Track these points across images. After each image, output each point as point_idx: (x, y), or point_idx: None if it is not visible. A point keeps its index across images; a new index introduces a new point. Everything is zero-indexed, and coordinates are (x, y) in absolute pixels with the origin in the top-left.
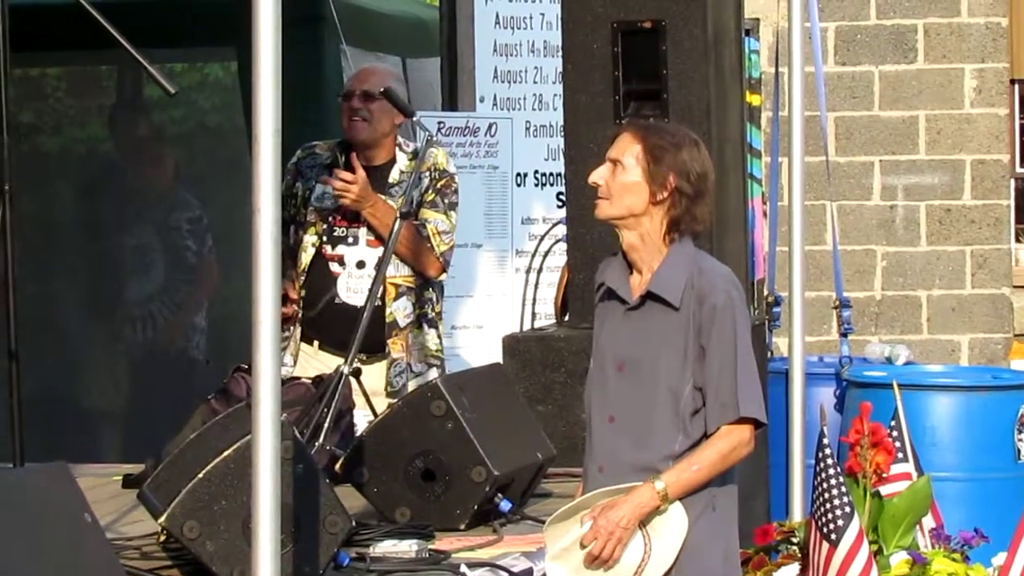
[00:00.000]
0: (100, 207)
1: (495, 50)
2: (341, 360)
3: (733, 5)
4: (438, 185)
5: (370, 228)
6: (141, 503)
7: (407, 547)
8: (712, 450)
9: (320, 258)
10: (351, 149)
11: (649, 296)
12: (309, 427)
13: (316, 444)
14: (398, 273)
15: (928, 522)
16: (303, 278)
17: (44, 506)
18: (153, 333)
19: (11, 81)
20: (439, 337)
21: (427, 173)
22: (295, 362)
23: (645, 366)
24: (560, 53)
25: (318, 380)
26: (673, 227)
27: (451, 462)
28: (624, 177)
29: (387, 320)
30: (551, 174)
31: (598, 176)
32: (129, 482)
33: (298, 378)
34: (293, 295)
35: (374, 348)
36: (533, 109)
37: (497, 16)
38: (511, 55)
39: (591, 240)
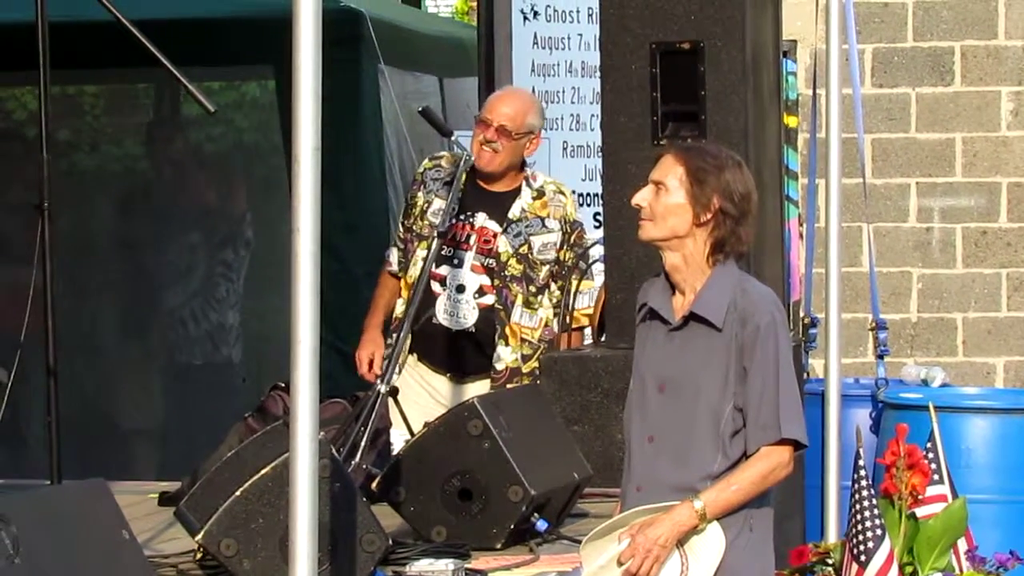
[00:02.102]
0: (137, 225)
1: (533, 70)
2: (436, 375)
3: (771, 27)
4: (572, 239)
5: (477, 253)
6: (178, 520)
7: (443, 566)
8: (752, 471)
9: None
10: (475, 169)
11: (692, 317)
12: (346, 446)
13: (353, 463)
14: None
15: (962, 544)
16: (412, 289)
17: (82, 523)
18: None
19: (49, 99)
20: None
21: (558, 223)
22: (400, 370)
23: (686, 386)
24: (598, 74)
25: (355, 399)
26: (717, 248)
27: (488, 481)
28: (668, 199)
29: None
30: (589, 194)
31: (641, 198)
32: (166, 500)
33: (334, 396)
34: (401, 303)
35: (472, 371)
36: (571, 129)
37: (535, 36)
38: (549, 75)
39: (628, 260)
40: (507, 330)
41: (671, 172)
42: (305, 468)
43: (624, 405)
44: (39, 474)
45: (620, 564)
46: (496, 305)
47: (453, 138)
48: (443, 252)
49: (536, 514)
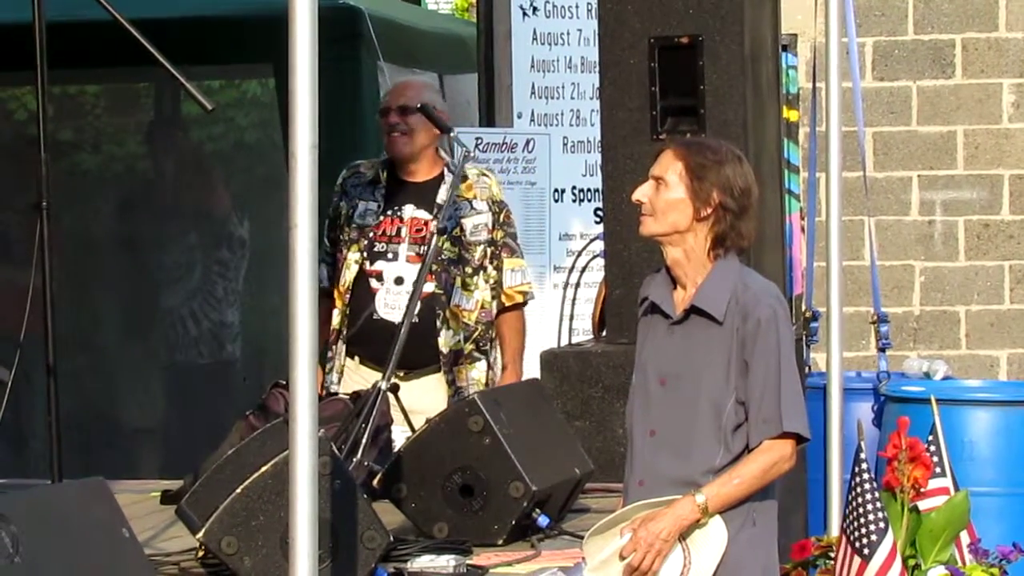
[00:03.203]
0: (138, 224)
1: (533, 66)
2: (379, 375)
3: (770, 21)
4: (500, 219)
5: (411, 243)
6: (179, 519)
7: (445, 562)
8: (754, 464)
9: (362, 274)
10: (393, 165)
11: (693, 311)
12: (347, 443)
13: (354, 460)
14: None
15: (964, 537)
16: (347, 296)
17: (82, 522)
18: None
19: (50, 98)
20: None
21: (485, 204)
22: (339, 379)
23: (688, 380)
24: (597, 69)
25: (356, 396)
26: (718, 243)
27: (489, 477)
28: (668, 194)
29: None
30: (589, 190)
31: (641, 193)
32: (167, 498)
33: (336, 394)
34: (337, 314)
35: (421, 363)
36: (570, 125)
37: (535, 32)
38: (548, 71)
39: (629, 256)
40: (447, 313)
41: (671, 167)
42: (305, 465)
43: (625, 400)
44: (40, 473)
45: (622, 558)
46: (436, 291)
47: (453, 134)
48: (375, 249)
49: (537, 510)
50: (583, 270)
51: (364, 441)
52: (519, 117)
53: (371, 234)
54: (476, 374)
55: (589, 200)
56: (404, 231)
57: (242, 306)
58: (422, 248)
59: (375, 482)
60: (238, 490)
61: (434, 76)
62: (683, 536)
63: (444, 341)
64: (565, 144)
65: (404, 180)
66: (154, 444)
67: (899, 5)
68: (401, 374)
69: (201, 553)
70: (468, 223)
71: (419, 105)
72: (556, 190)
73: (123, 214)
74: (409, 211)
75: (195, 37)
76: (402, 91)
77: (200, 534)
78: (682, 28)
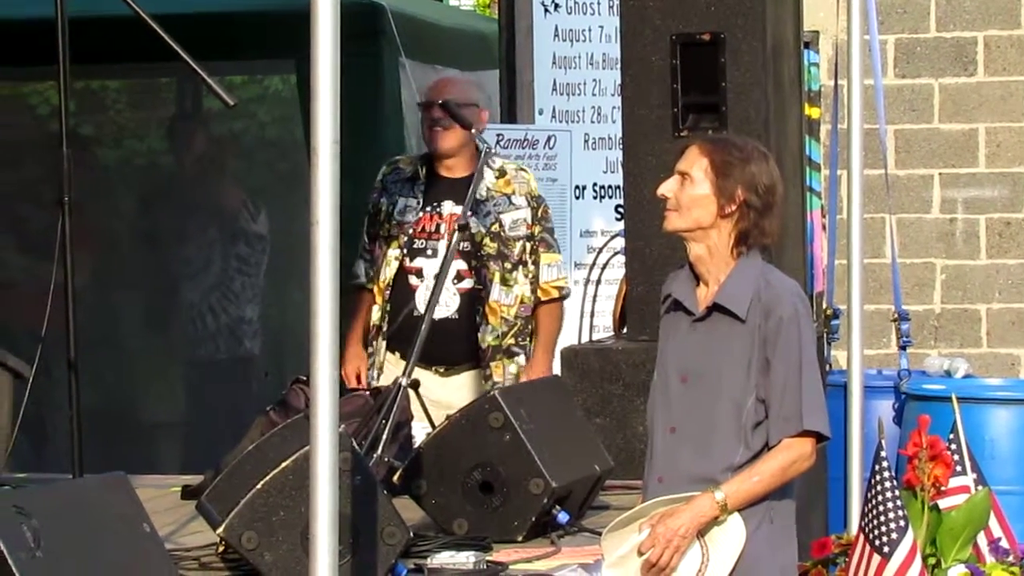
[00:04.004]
0: (159, 219)
1: (554, 62)
2: (422, 371)
3: (792, 18)
4: (538, 214)
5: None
6: (200, 514)
7: (465, 559)
8: (773, 462)
9: (401, 271)
10: (432, 161)
11: (715, 308)
12: (367, 439)
13: (374, 456)
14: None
15: (996, 530)
16: (387, 292)
17: (103, 516)
18: (217, 327)
19: (71, 93)
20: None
21: (524, 200)
22: (380, 375)
23: (709, 377)
24: (619, 65)
25: (376, 392)
26: (741, 240)
27: (509, 474)
28: (693, 190)
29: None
30: (610, 187)
31: (666, 188)
32: (188, 493)
33: (356, 390)
34: (377, 310)
35: (461, 359)
36: (592, 121)
37: (556, 29)
38: (570, 67)
39: (649, 253)
40: (486, 309)
41: (696, 163)
42: (325, 461)
43: (646, 397)
44: (62, 468)
45: (640, 554)
46: (475, 287)
47: (473, 131)
48: (415, 246)
49: (557, 506)
50: (604, 267)
51: (384, 437)
52: (540, 113)
53: (410, 231)
54: (515, 369)
55: (610, 197)
56: (443, 227)
57: (263, 301)
58: (462, 244)
59: (395, 478)
60: (259, 485)
61: (456, 73)
62: (702, 533)
63: (484, 336)
64: (586, 141)
65: (443, 176)
66: (174, 439)
67: (921, 2)
68: (442, 369)
69: (221, 548)
70: (507, 219)
71: (441, 102)
72: (577, 187)
73: (144, 209)
74: (448, 207)
75: (217, 33)
76: (445, 86)
77: (221, 529)
78: (704, 25)
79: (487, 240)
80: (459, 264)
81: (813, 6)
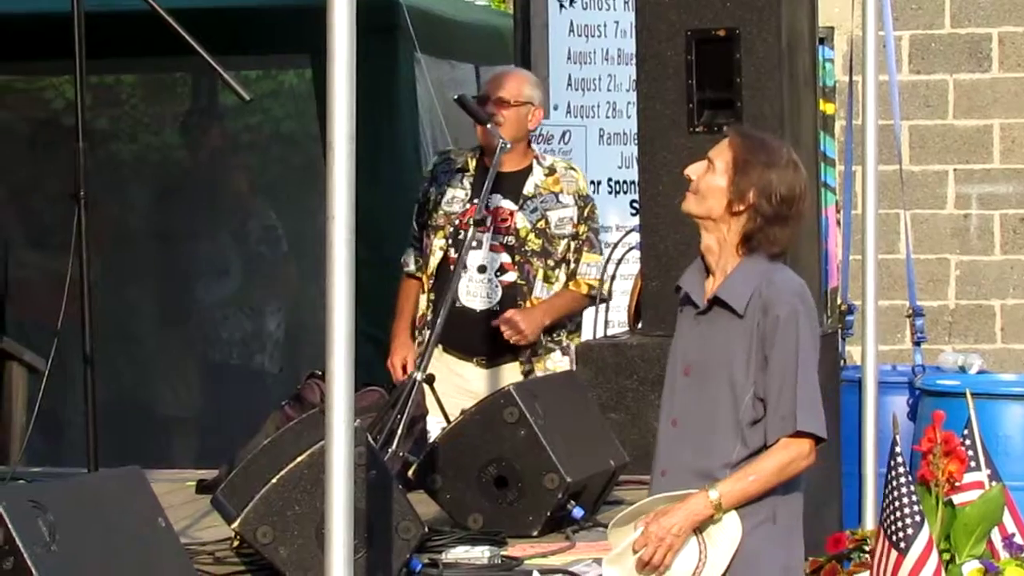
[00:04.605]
0: (174, 214)
1: (569, 58)
2: (464, 363)
3: (808, 13)
4: (585, 213)
5: (495, 233)
6: (215, 508)
7: (479, 553)
8: (770, 461)
9: (445, 262)
10: (483, 154)
11: (716, 301)
12: (382, 433)
13: (389, 450)
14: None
15: (1010, 526)
16: (431, 282)
17: (119, 511)
18: (231, 322)
19: (86, 87)
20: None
21: (572, 199)
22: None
23: (709, 371)
24: (634, 61)
25: (391, 386)
26: (745, 241)
27: (524, 469)
28: (712, 179)
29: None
30: (625, 182)
31: (692, 170)
32: (203, 487)
33: (370, 384)
34: (424, 300)
35: (500, 352)
36: (607, 117)
37: (571, 24)
38: (585, 63)
39: (664, 248)
40: (527, 305)
41: (722, 154)
42: (341, 456)
43: (661, 392)
44: (77, 462)
45: (635, 552)
46: (518, 281)
47: (489, 126)
48: (460, 236)
49: (572, 501)
50: (619, 262)
51: (399, 432)
52: (555, 109)
53: (456, 221)
54: (551, 364)
55: (625, 192)
56: (489, 219)
57: (277, 296)
58: (506, 238)
59: (410, 473)
60: (274, 480)
61: (470, 68)
62: (699, 530)
63: None
64: (601, 136)
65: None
66: (188, 433)
67: None
68: (484, 361)
69: (236, 543)
70: (553, 216)
71: (455, 97)
72: (592, 182)
73: (158, 204)
74: (495, 200)
75: (232, 27)
76: (501, 82)
77: (236, 524)
78: (719, 21)
79: (531, 236)
80: (503, 257)
81: (828, 2)
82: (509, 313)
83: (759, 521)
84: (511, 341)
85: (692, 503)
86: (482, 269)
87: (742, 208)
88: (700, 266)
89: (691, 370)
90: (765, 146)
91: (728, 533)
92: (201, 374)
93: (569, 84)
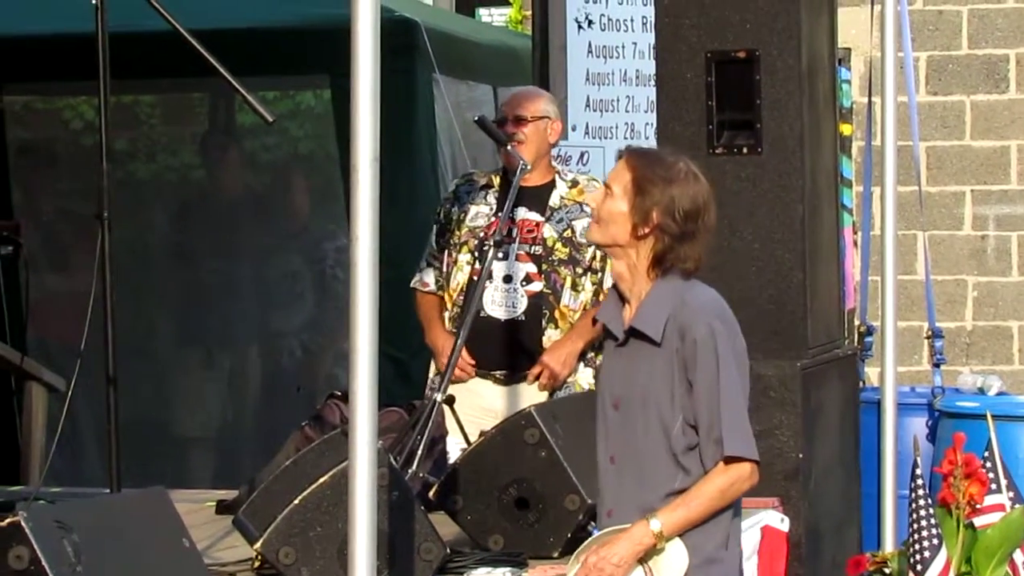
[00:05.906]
0: (193, 233)
1: (587, 79)
2: (483, 381)
3: (827, 34)
4: None
5: (521, 243)
6: (236, 529)
7: (500, 574)
8: (710, 485)
9: (473, 276)
10: (507, 173)
11: (632, 332)
12: (403, 454)
13: (409, 471)
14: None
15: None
16: (459, 297)
17: (143, 531)
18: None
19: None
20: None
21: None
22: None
23: (636, 404)
24: (653, 82)
25: (411, 407)
26: (656, 263)
27: (544, 490)
28: (611, 206)
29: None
30: None
31: (591, 198)
32: (223, 508)
33: (389, 405)
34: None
35: (525, 364)
36: (625, 138)
37: (590, 45)
38: (603, 84)
39: None
40: (556, 313)
41: (619, 178)
42: (364, 477)
43: None
44: (95, 481)
45: None
46: (544, 290)
47: (508, 147)
48: (484, 248)
49: (593, 522)
50: None
51: (419, 452)
52: (573, 130)
53: (481, 235)
54: (575, 377)
55: None
56: (515, 231)
57: (296, 315)
58: (532, 248)
59: (431, 494)
60: (296, 501)
61: (488, 89)
62: (644, 560)
63: (549, 339)
64: (619, 157)
65: (519, 185)
66: (207, 453)
67: (953, 20)
68: (501, 376)
69: (258, 563)
70: (579, 225)
71: (476, 118)
72: None
73: (177, 223)
74: (521, 212)
75: (250, 48)
76: (518, 101)
77: (258, 544)
78: (739, 42)
79: (559, 245)
80: (529, 267)
81: (845, 23)
82: (540, 363)
83: (714, 548)
84: (552, 387)
85: (633, 532)
86: (508, 279)
87: (647, 230)
88: (615, 296)
89: (619, 404)
90: (662, 162)
91: (674, 562)
92: (219, 393)
93: (587, 105)
